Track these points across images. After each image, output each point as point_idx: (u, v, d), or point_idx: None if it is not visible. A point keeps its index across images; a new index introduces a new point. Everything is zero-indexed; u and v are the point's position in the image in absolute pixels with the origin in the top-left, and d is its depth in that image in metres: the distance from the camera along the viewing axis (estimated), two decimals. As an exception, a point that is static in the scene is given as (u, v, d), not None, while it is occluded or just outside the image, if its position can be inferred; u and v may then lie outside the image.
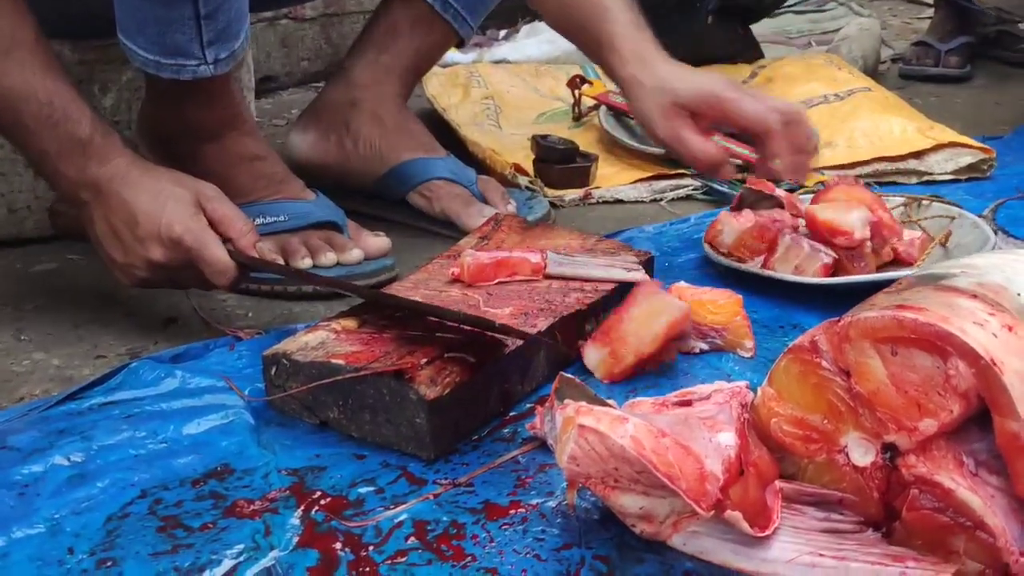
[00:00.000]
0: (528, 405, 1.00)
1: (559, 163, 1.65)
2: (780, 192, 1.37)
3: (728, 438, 0.77)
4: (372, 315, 1.03)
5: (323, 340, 0.99)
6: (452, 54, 2.32)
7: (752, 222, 1.28)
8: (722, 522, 0.75)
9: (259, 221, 1.25)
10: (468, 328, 0.97)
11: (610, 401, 0.86)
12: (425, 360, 0.93)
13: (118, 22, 1.14)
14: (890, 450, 0.75)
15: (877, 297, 0.80)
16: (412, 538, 0.81)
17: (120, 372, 1.05)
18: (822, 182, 1.53)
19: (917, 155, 1.71)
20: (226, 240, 1.11)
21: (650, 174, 1.69)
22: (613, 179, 1.69)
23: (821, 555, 0.75)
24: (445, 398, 0.91)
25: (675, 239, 1.45)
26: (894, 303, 0.75)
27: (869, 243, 1.22)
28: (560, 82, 2.02)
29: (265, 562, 0.78)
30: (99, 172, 1.10)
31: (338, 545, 0.80)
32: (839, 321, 0.76)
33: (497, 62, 2.38)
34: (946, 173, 1.70)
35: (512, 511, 0.84)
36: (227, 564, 0.78)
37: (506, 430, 0.97)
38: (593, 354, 1.06)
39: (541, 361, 1.04)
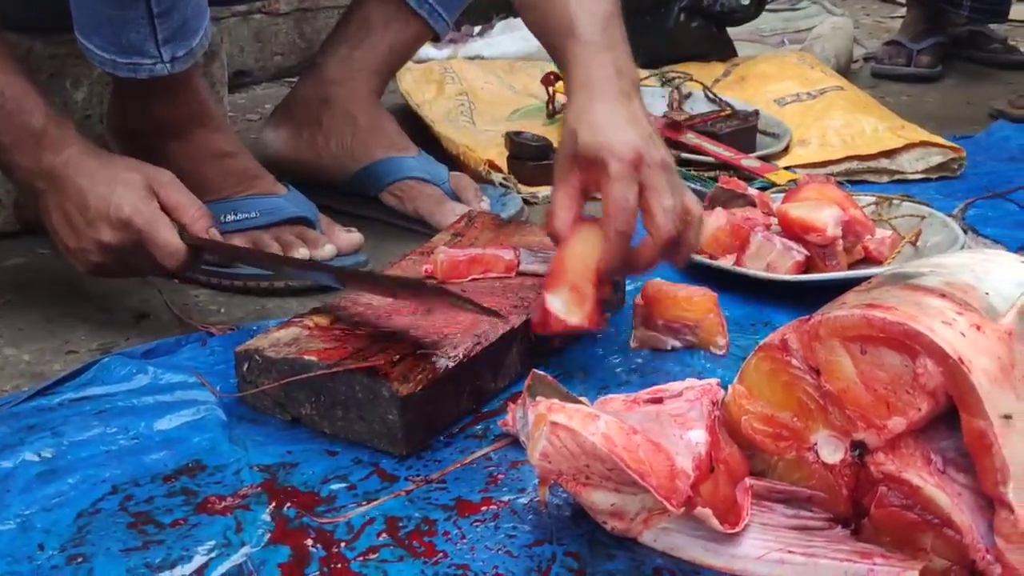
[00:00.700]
0: (500, 402, 1.00)
1: (533, 160, 1.64)
2: (752, 190, 1.38)
3: (699, 435, 0.77)
4: (345, 311, 1.03)
5: (296, 336, 0.99)
6: (427, 50, 2.31)
7: (725, 220, 1.28)
8: (692, 519, 0.76)
9: (230, 217, 1.25)
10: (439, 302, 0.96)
11: (582, 398, 0.87)
12: (398, 357, 0.93)
13: (75, 21, 1.14)
14: (859, 448, 0.76)
15: (847, 296, 0.80)
16: (384, 535, 0.81)
17: (91, 368, 1.04)
18: (794, 180, 1.53)
19: (888, 154, 1.72)
20: (180, 226, 1.11)
21: (623, 171, 1.69)
22: (587, 176, 1.69)
23: (790, 552, 0.76)
24: (418, 395, 0.91)
25: (648, 236, 1.45)
26: (864, 302, 0.76)
27: (841, 241, 1.23)
28: (534, 78, 2.02)
29: (236, 558, 0.78)
30: (54, 161, 1.11)
31: (309, 542, 0.80)
32: (809, 319, 0.77)
33: (472, 58, 2.37)
34: (917, 172, 1.71)
35: (484, 508, 0.84)
36: (198, 560, 0.78)
37: (478, 427, 0.97)
38: (556, 300, 1.00)
39: (514, 358, 1.04)
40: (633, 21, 2.40)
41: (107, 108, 1.36)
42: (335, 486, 0.88)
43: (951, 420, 0.73)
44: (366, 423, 0.92)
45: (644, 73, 2.10)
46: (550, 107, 1.93)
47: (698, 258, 1.28)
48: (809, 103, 1.91)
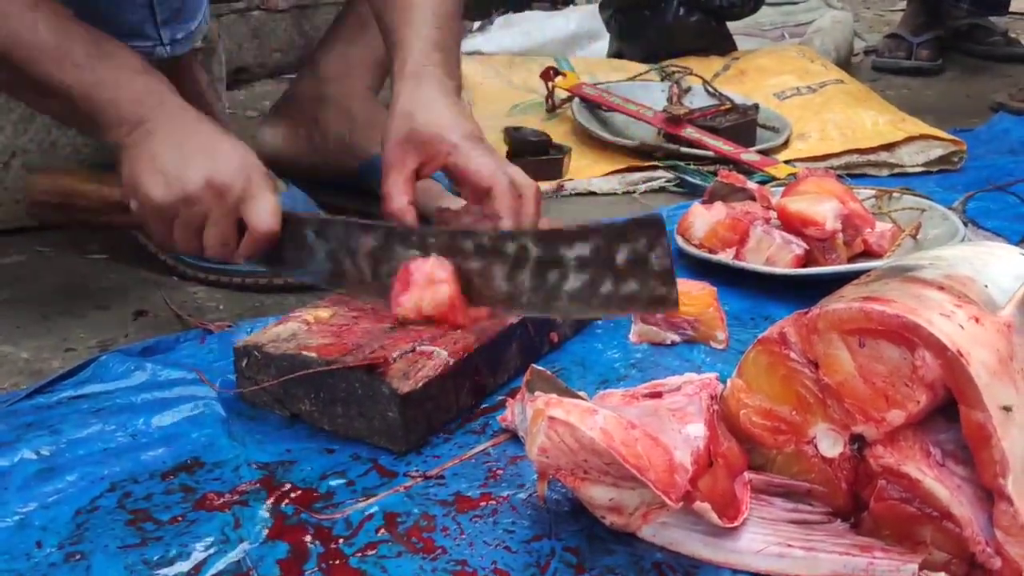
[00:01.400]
0: (499, 397, 1.00)
1: (532, 155, 1.65)
2: (752, 184, 1.37)
3: (697, 429, 0.77)
4: (343, 306, 1.03)
5: (295, 332, 0.99)
6: (426, 46, 2.31)
7: (724, 214, 1.28)
8: (691, 513, 0.75)
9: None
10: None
11: (581, 393, 0.87)
12: (397, 353, 0.93)
13: (73, 4, 1.13)
14: (858, 441, 0.76)
15: (846, 289, 0.80)
16: (382, 530, 0.81)
17: (90, 365, 1.04)
18: (793, 174, 1.53)
19: (888, 147, 1.72)
20: None
21: (623, 166, 1.70)
22: (586, 171, 1.69)
23: (790, 546, 0.76)
24: (418, 392, 0.91)
25: (648, 231, 1.44)
26: (862, 295, 0.75)
27: (841, 234, 1.23)
28: (534, 74, 2.02)
29: (234, 555, 0.78)
30: (170, 94, 1.06)
31: (308, 538, 0.80)
32: (807, 313, 0.77)
33: (471, 54, 2.37)
34: (917, 165, 1.71)
35: (483, 503, 0.84)
36: (196, 557, 0.78)
37: (477, 422, 0.97)
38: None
39: (513, 353, 1.04)
40: (632, 16, 2.39)
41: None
42: (334, 482, 0.87)
43: (950, 413, 0.73)
44: (366, 420, 0.92)
45: (644, 68, 2.11)
46: (549, 102, 1.93)
47: (698, 252, 1.28)
48: (809, 97, 1.91)
